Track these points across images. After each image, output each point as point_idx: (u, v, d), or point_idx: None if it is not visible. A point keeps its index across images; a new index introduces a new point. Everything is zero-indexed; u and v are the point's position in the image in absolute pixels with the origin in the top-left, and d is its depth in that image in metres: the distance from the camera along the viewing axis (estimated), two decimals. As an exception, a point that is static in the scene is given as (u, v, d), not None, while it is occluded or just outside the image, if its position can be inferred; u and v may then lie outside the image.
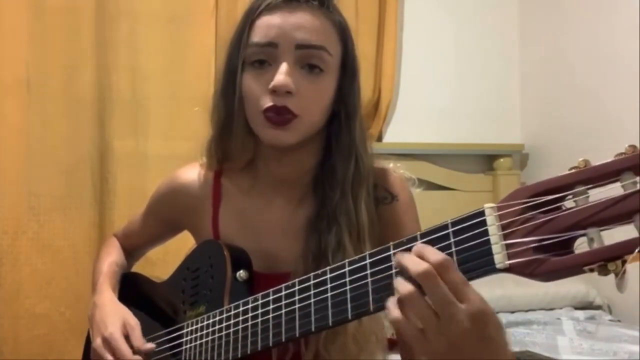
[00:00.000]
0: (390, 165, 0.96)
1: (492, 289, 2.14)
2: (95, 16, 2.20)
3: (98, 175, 2.20)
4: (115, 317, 0.92)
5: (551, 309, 2.17)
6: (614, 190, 0.49)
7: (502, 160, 2.67)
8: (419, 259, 0.56)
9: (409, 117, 2.67)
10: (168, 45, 2.29)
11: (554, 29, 2.63)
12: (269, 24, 0.85)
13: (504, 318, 2.04)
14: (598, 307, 2.21)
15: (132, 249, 1.15)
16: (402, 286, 0.56)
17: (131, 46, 2.25)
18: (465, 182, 2.65)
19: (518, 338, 1.85)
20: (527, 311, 2.15)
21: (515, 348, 1.77)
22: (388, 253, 0.61)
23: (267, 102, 0.83)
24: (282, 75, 0.82)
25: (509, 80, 2.82)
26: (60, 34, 2.18)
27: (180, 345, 0.89)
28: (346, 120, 0.90)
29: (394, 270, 0.60)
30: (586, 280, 2.23)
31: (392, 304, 0.57)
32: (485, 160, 2.74)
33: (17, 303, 2.09)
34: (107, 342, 0.89)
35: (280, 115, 0.82)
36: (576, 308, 2.18)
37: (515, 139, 2.78)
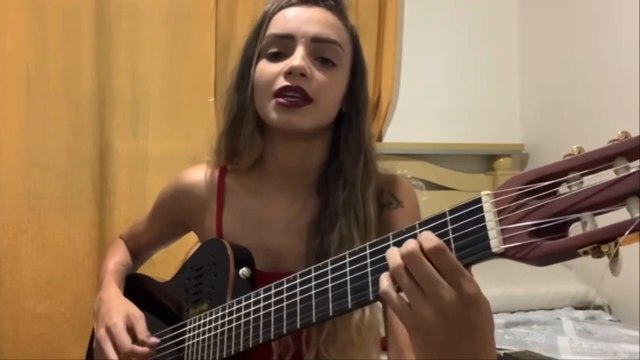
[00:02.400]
0: (398, 172, 0.97)
1: (492, 289, 2.14)
2: (95, 16, 2.20)
3: (98, 175, 2.20)
4: (120, 310, 0.93)
5: (551, 309, 2.17)
6: (607, 175, 0.50)
7: (502, 160, 2.67)
8: (411, 240, 0.57)
9: (409, 117, 2.68)
10: (168, 45, 2.29)
11: (553, 29, 2.63)
12: (286, 17, 0.88)
13: (503, 318, 2.04)
14: (598, 307, 2.21)
15: (138, 250, 1.15)
16: (392, 259, 0.57)
17: (131, 46, 2.25)
18: (465, 182, 2.65)
19: (518, 338, 1.85)
20: (527, 311, 2.15)
21: (515, 348, 1.77)
22: (387, 243, 0.62)
23: (281, 83, 0.84)
24: (298, 57, 0.84)
25: (509, 80, 2.82)
26: (60, 34, 2.18)
27: (183, 341, 0.89)
28: (356, 119, 0.92)
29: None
30: (586, 280, 2.23)
31: (384, 275, 0.59)
32: (485, 160, 2.75)
33: (17, 303, 2.09)
34: (109, 332, 0.90)
35: (293, 97, 0.83)
36: (576, 308, 2.18)
37: (515, 139, 2.78)
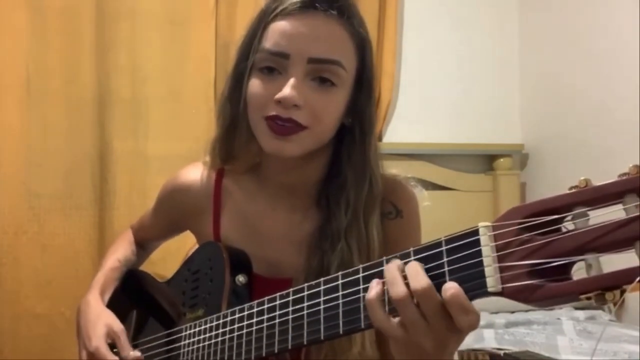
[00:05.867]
0: (401, 176, 0.93)
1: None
2: (95, 16, 2.20)
3: (98, 175, 2.20)
4: (99, 327, 0.91)
5: (551, 309, 2.17)
6: (615, 208, 0.47)
7: (502, 160, 2.66)
8: (423, 275, 0.55)
9: (409, 117, 2.67)
10: (168, 45, 2.29)
11: (553, 29, 2.63)
12: (282, 31, 0.80)
13: (504, 318, 2.04)
14: (598, 307, 2.21)
15: (145, 241, 1.14)
16: (396, 287, 0.56)
17: (131, 46, 2.25)
18: (465, 182, 2.65)
19: (518, 338, 1.85)
20: (527, 311, 2.15)
21: (515, 348, 1.77)
22: (381, 268, 0.60)
23: (272, 111, 0.80)
24: (289, 88, 0.78)
25: (509, 80, 2.82)
26: (60, 34, 2.18)
27: (178, 348, 0.88)
28: (361, 137, 0.86)
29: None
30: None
31: (376, 303, 0.57)
32: (485, 160, 2.74)
33: (17, 303, 2.09)
34: (94, 357, 0.88)
35: (283, 125, 0.79)
36: (576, 308, 2.18)
37: (515, 139, 2.78)
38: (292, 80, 0.79)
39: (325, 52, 0.80)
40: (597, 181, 0.48)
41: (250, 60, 0.83)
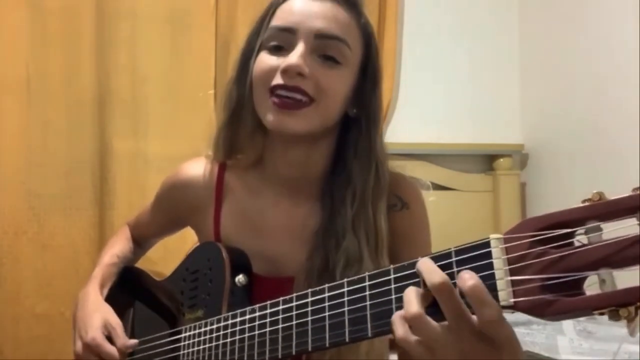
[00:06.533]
0: (407, 175, 0.93)
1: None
2: (95, 16, 2.20)
3: (98, 175, 2.20)
4: (96, 319, 0.91)
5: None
6: (628, 222, 0.46)
7: (502, 160, 2.66)
8: (438, 269, 0.53)
9: (409, 117, 2.67)
10: (168, 45, 2.29)
11: (554, 29, 2.63)
12: (290, 10, 0.83)
13: (503, 318, 2.03)
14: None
15: (141, 238, 1.14)
16: (411, 306, 0.53)
17: (131, 46, 2.25)
18: (465, 182, 2.65)
19: (518, 338, 1.85)
20: (526, 311, 2.15)
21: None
22: (388, 277, 0.59)
23: (277, 81, 0.79)
24: (295, 56, 0.79)
25: (509, 80, 2.82)
26: (60, 34, 2.18)
27: (178, 349, 0.88)
28: (367, 127, 0.86)
29: (394, 296, 0.58)
30: (586, 280, 2.22)
31: (398, 321, 0.55)
32: (485, 160, 2.74)
33: (17, 303, 2.09)
34: (90, 348, 0.88)
35: (289, 97, 0.79)
36: (576, 308, 2.18)
37: (515, 139, 2.78)
38: (299, 47, 0.79)
39: (332, 29, 0.81)
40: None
41: (259, 39, 0.84)
